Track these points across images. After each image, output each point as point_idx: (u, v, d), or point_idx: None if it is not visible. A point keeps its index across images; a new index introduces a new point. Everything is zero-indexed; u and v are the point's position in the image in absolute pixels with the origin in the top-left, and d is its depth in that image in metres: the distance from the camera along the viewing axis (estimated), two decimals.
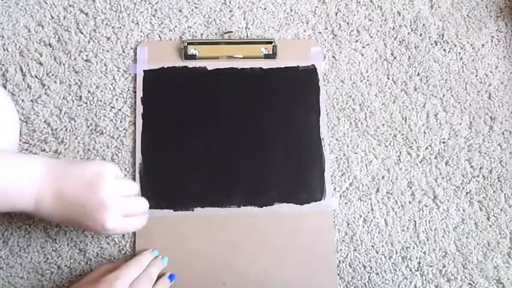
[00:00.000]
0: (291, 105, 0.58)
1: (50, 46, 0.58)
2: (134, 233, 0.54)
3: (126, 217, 0.46)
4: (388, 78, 0.60)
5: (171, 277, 0.51)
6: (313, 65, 0.59)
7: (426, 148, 0.58)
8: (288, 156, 0.56)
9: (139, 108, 0.57)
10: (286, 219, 0.54)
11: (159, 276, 0.50)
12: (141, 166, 0.55)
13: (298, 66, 0.59)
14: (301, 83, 0.58)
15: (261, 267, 0.53)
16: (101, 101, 0.57)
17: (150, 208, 0.51)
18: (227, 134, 0.57)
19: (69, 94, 0.57)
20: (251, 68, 0.58)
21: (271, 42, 0.59)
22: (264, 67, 0.59)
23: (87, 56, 0.58)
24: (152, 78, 0.58)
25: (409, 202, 0.56)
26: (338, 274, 0.54)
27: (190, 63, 0.58)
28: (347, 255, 0.54)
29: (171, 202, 0.54)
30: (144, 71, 0.58)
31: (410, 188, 0.56)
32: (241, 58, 0.59)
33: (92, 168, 0.44)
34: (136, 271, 0.47)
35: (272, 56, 0.59)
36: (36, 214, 0.43)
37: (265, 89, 0.58)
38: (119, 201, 0.44)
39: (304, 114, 0.57)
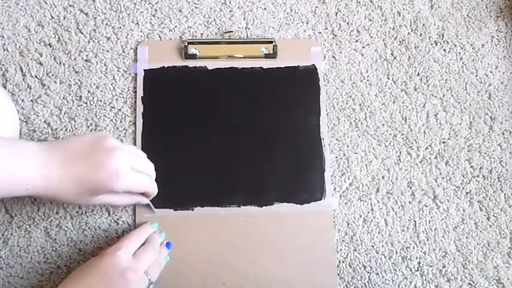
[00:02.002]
0: (291, 105, 0.58)
1: (50, 46, 0.58)
2: None
3: (136, 172, 0.45)
4: (388, 78, 0.60)
5: (167, 245, 0.52)
6: (313, 65, 0.59)
7: (426, 148, 0.58)
8: (288, 156, 0.56)
9: (140, 108, 0.57)
10: (286, 219, 0.54)
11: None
12: None
13: (298, 66, 0.59)
14: (302, 83, 0.58)
15: (260, 267, 0.53)
16: (101, 101, 0.57)
17: None
18: (227, 133, 0.57)
19: (69, 94, 0.57)
20: (251, 67, 0.58)
21: (271, 42, 0.59)
22: (264, 67, 0.59)
23: (87, 56, 0.58)
24: (153, 77, 0.58)
25: (409, 202, 0.56)
26: (338, 274, 0.54)
27: (191, 63, 0.58)
28: (347, 255, 0.54)
29: (171, 201, 0.54)
30: (144, 70, 0.58)
31: (410, 188, 0.56)
32: (241, 58, 0.59)
33: (86, 137, 0.44)
34: (138, 242, 0.49)
35: (272, 55, 0.59)
36: (44, 193, 0.41)
37: (266, 89, 0.58)
38: (125, 153, 0.44)
39: (305, 114, 0.58)
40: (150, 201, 0.52)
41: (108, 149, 0.42)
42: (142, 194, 0.48)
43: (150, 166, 0.48)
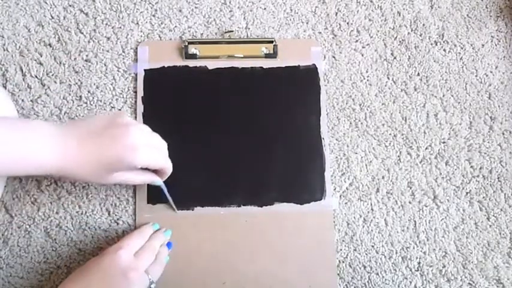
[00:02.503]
0: (291, 104, 0.58)
1: (50, 46, 0.58)
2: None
3: (151, 147, 0.45)
4: (388, 78, 0.60)
5: (168, 245, 0.52)
6: (313, 65, 0.59)
7: (426, 148, 0.58)
8: (288, 156, 0.56)
9: (140, 108, 0.57)
10: (286, 219, 0.54)
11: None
12: None
13: (298, 65, 0.59)
14: (302, 83, 0.58)
15: (260, 267, 0.53)
16: (101, 101, 0.57)
17: (151, 204, 0.52)
18: (227, 133, 0.57)
19: (69, 94, 0.57)
20: (252, 67, 0.58)
21: (271, 42, 0.59)
22: (264, 66, 0.59)
23: (87, 56, 0.58)
24: (153, 77, 0.58)
25: (409, 202, 0.56)
26: (338, 274, 0.54)
27: (191, 63, 0.58)
28: (347, 255, 0.54)
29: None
30: (144, 70, 0.58)
31: (410, 188, 0.56)
32: (241, 57, 0.59)
33: (101, 115, 0.44)
34: (139, 242, 0.49)
35: (273, 55, 0.59)
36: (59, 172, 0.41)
37: (266, 89, 0.58)
38: (141, 129, 0.44)
39: (305, 113, 0.58)
40: (173, 200, 0.53)
41: (124, 124, 0.42)
42: (156, 173, 0.48)
43: (164, 144, 0.47)
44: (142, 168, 0.45)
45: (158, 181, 0.49)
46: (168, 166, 0.47)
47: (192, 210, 0.54)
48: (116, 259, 0.45)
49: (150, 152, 0.43)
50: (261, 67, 0.59)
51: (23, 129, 0.39)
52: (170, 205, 0.53)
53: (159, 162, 0.46)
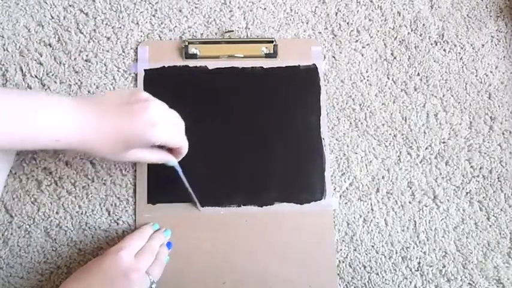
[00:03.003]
0: (291, 104, 0.58)
1: (50, 46, 0.58)
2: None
3: (170, 124, 0.44)
4: (388, 78, 0.60)
5: (168, 245, 0.52)
6: (314, 65, 0.59)
7: (426, 148, 0.58)
8: (288, 156, 0.56)
9: None
10: (287, 219, 0.54)
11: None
12: (140, 166, 0.55)
13: (299, 65, 0.59)
14: (302, 83, 0.58)
15: (261, 267, 0.53)
16: None
17: (152, 204, 0.52)
18: (228, 133, 0.57)
19: (69, 94, 0.57)
20: (252, 67, 0.58)
21: (272, 42, 0.59)
22: (264, 66, 0.59)
23: (87, 56, 0.58)
24: (153, 77, 0.58)
25: (409, 202, 0.56)
26: (338, 274, 0.54)
27: (191, 63, 0.58)
28: (347, 255, 0.54)
29: (171, 200, 0.54)
30: (145, 70, 0.58)
31: (410, 188, 0.56)
32: (242, 57, 0.59)
33: (120, 91, 0.44)
34: (140, 242, 0.49)
35: (273, 55, 0.59)
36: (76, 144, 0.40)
37: (266, 88, 0.58)
38: (160, 105, 0.43)
39: (305, 113, 0.58)
40: (197, 198, 0.53)
41: (143, 100, 0.42)
42: (171, 152, 0.47)
43: (182, 122, 0.46)
44: (158, 147, 0.44)
45: (173, 161, 0.47)
46: (184, 145, 0.46)
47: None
48: (117, 260, 0.45)
49: (168, 129, 0.43)
50: (261, 67, 0.59)
51: (39, 101, 0.39)
52: (194, 204, 0.54)
53: (176, 140, 0.44)
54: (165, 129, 0.42)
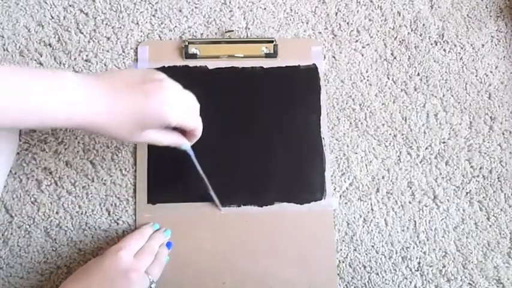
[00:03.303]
0: (291, 104, 0.58)
1: (50, 46, 0.58)
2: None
3: (185, 105, 0.43)
4: (388, 78, 0.60)
5: (168, 245, 0.52)
6: (314, 64, 0.59)
7: (426, 148, 0.58)
8: (288, 156, 0.56)
9: None
10: (287, 219, 0.54)
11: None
12: (140, 166, 0.55)
13: (299, 65, 0.59)
14: (302, 82, 0.58)
15: (260, 267, 0.53)
16: None
17: (152, 204, 0.52)
18: (228, 133, 0.57)
19: None
20: (252, 67, 0.58)
21: (272, 41, 0.59)
22: (264, 66, 0.59)
23: (87, 56, 0.58)
24: None
25: (409, 202, 0.56)
26: (338, 274, 0.54)
27: (191, 63, 0.58)
28: (347, 255, 0.54)
29: (170, 199, 0.54)
30: None
31: (410, 188, 0.56)
32: (242, 57, 0.59)
33: (133, 70, 0.42)
34: (139, 242, 0.49)
35: (273, 55, 0.59)
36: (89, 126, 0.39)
37: (266, 88, 0.58)
38: (174, 84, 0.42)
39: (305, 113, 0.58)
40: (217, 197, 0.53)
41: (158, 80, 0.40)
42: (185, 136, 0.46)
43: (197, 104, 0.44)
44: (171, 129, 0.43)
45: (186, 144, 0.46)
46: (199, 128, 0.45)
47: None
48: (117, 260, 0.45)
49: (184, 110, 0.41)
50: (261, 67, 0.59)
51: (50, 78, 0.37)
52: (214, 203, 0.54)
53: (192, 122, 0.43)
54: (181, 110, 0.41)
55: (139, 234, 0.50)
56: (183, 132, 0.45)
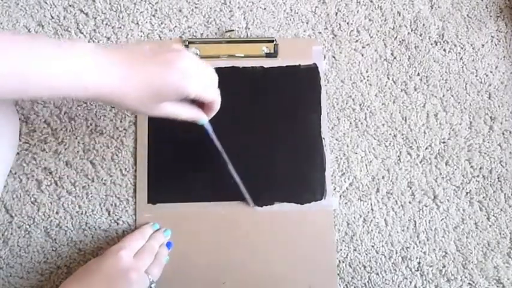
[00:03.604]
0: (292, 104, 0.58)
1: None
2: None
3: (205, 77, 0.41)
4: (388, 78, 0.60)
5: (168, 245, 0.52)
6: (314, 64, 0.59)
7: (426, 148, 0.58)
8: (289, 155, 0.56)
9: None
10: (287, 219, 0.54)
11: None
12: (140, 166, 0.55)
13: (299, 65, 0.59)
14: (303, 82, 0.58)
15: (261, 267, 0.53)
16: None
17: (152, 203, 0.52)
18: (228, 132, 0.56)
19: None
20: (252, 67, 0.58)
21: (272, 41, 0.59)
22: (265, 66, 0.59)
23: None
24: None
25: (409, 202, 0.56)
26: (338, 274, 0.54)
27: None
28: (347, 255, 0.54)
29: (171, 199, 0.54)
30: None
31: (410, 188, 0.56)
32: (242, 57, 0.58)
33: (150, 42, 0.40)
34: (140, 242, 0.49)
35: (273, 54, 0.59)
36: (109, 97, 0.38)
37: (266, 88, 0.58)
38: (192, 55, 0.40)
39: (305, 113, 0.57)
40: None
41: (176, 50, 0.39)
42: (203, 109, 0.44)
43: (216, 76, 0.43)
44: (189, 103, 0.42)
45: (204, 119, 0.45)
46: (218, 101, 0.43)
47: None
48: (117, 260, 0.45)
49: (203, 81, 0.40)
50: (262, 66, 0.59)
51: (66, 48, 0.35)
52: (247, 201, 0.54)
53: (211, 94, 0.42)
54: (200, 81, 0.40)
55: (140, 234, 0.50)
56: (200, 106, 0.44)
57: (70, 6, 0.60)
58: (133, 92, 0.37)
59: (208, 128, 0.47)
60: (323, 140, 0.57)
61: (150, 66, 0.38)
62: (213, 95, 0.42)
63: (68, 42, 0.37)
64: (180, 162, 0.56)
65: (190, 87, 0.38)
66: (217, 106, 0.44)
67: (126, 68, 0.37)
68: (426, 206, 0.56)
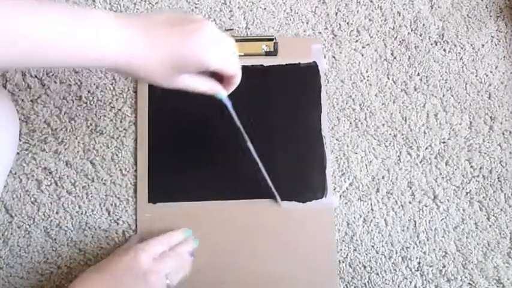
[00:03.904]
0: (292, 102, 0.58)
1: None
2: (135, 231, 0.54)
3: (226, 49, 0.40)
4: (388, 78, 0.60)
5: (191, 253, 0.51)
6: (314, 62, 0.59)
7: (426, 148, 0.58)
8: (289, 154, 0.56)
9: (145, 107, 0.57)
10: (288, 217, 0.54)
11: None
12: (141, 165, 0.55)
13: (299, 63, 0.59)
14: (303, 80, 0.58)
15: (261, 266, 0.53)
16: (101, 101, 0.57)
17: (152, 203, 0.53)
18: (228, 131, 0.56)
19: (69, 94, 0.57)
20: (252, 65, 0.58)
21: (272, 40, 0.59)
22: (265, 64, 0.58)
23: None
24: None
25: (409, 202, 0.56)
26: (338, 274, 0.54)
27: None
28: (347, 255, 0.54)
29: (171, 199, 0.54)
30: None
31: (410, 188, 0.56)
32: (242, 56, 0.58)
33: (169, 12, 0.39)
34: (162, 247, 0.48)
35: (273, 53, 0.59)
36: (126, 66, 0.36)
37: (266, 87, 0.58)
38: (214, 26, 0.39)
39: (306, 111, 0.57)
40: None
41: (198, 20, 0.38)
42: (223, 83, 0.43)
43: (235, 48, 0.42)
44: (208, 76, 0.41)
45: (223, 93, 0.43)
46: (239, 74, 0.42)
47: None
48: (135, 261, 0.45)
49: (224, 54, 0.39)
50: (262, 65, 0.59)
51: (83, 15, 0.34)
52: (274, 198, 0.54)
53: (232, 67, 0.41)
54: (221, 53, 0.38)
55: (165, 239, 0.49)
56: (219, 79, 0.42)
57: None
58: (152, 63, 0.36)
59: (227, 103, 0.45)
60: (323, 138, 0.57)
61: (170, 36, 0.37)
62: (234, 69, 0.41)
63: (84, 9, 0.36)
64: (180, 162, 0.56)
65: (211, 59, 0.37)
66: (237, 80, 0.43)
67: (145, 37, 0.36)
68: (426, 206, 0.56)
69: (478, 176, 0.57)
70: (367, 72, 0.60)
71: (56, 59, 0.34)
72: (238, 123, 0.48)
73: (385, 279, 0.54)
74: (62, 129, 0.56)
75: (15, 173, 0.55)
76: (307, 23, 0.61)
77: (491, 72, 0.60)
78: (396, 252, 0.55)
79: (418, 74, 0.60)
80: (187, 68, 0.38)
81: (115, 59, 0.35)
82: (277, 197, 0.54)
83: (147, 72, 0.37)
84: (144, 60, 0.36)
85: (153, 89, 0.57)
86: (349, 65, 0.60)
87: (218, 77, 0.42)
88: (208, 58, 0.37)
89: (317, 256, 0.54)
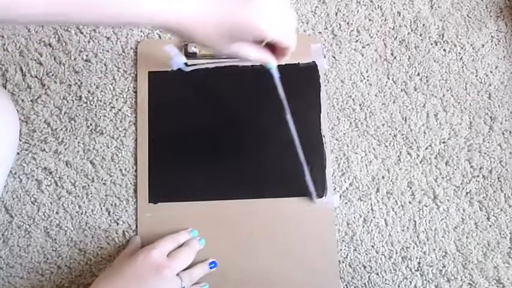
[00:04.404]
0: (291, 102, 0.57)
1: (50, 46, 0.58)
2: (136, 231, 0.54)
3: (284, 19, 0.39)
4: (388, 78, 0.60)
5: (212, 263, 0.52)
6: (313, 62, 0.59)
7: (426, 148, 0.58)
8: (290, 153, 0.56)
9: (145, 108, 0.57)
10: (288, 216, 0.54)
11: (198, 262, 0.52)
12: (141, 165, 0.55)
13: (298, 63, 0.59)
14: (302, 80, 0.58)
15: (262, 265, 0.53)
16: (101, 101, 0.57)
17: (153, 203, 0.53)
18: (228, 131, 0.57)
19: (69, 94, 0.57)
20: (251, 65, 0.58)
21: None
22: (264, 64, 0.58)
23: (87, 56, 0.58)
24: (154, 77, 0.58)
25: (409, 202, 0.56)
26: (338, 274, 0.54)
27: (191, 61, 0.58)
28: (347, 255, 0.54)
29: (172, 198, 0.55)
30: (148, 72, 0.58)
31: (410, 188, 0.56)
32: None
33: None
34: (172, 245, 0.49)
35: None
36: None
37: (266, 87, 0.58)
38: None
39: (305, 111, 0.57)
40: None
41: None
42: (274, 53, 0.41)
43: (295, 22, 0.40)
44: (261, 44, 0.39)
45: (273, 63, 0.42)
46: (293, 47, 0.40)
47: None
48: (148, 257, 0.46)
49: (282, 25, 0.37)
50: (261, 65, 0.58)
51: None
52: (310, 196, 0.54)
53: (288, 39, 0.39)
54: (279, 24, 0.37)
55: (172, 238, 0.51)
56: (271, 48, 0.41)
57: None
58: (204, 26, 0.35)
59: (275, 74, 0.44)
60: (323, 138, 0.57)
61: (226, 2, 0.35)
62: (290, 41, 0.39)
63: None
64: (180, 162, 0.56)
65: (269, 30, 0.36)
66: (289, 51, 0.41)
67: (200, 2, 0.35)
68: (426, 206, 0.56)
69: (478, 176, 0.57)
70: (367, 72, 0.60)
71: (99, 17, 0.33)
72: (282, 95, 0.46)
73: (385, 279, 0.54)
74: (62, 129, 0.56)
75: (15, 173, 0.55)
76: (307, 22, 0.61)
77: (491, 72, 0.60)
78: (396, 252, 0.55)
79: (418, 74, 0.60)
80: (242, 37, 0.36)
81: (165, 19, 0.34)
82: (314, 197, 0.54)
83: (198, 35, 0.35)
84: (196, 24, 0.35)
85: (153, 89, 0.57)
86: (349, 65, 0.60)
87: (270, 45, 0.40)
88: (265, 29, 0.36)
89: (317, 256, 0.54)
